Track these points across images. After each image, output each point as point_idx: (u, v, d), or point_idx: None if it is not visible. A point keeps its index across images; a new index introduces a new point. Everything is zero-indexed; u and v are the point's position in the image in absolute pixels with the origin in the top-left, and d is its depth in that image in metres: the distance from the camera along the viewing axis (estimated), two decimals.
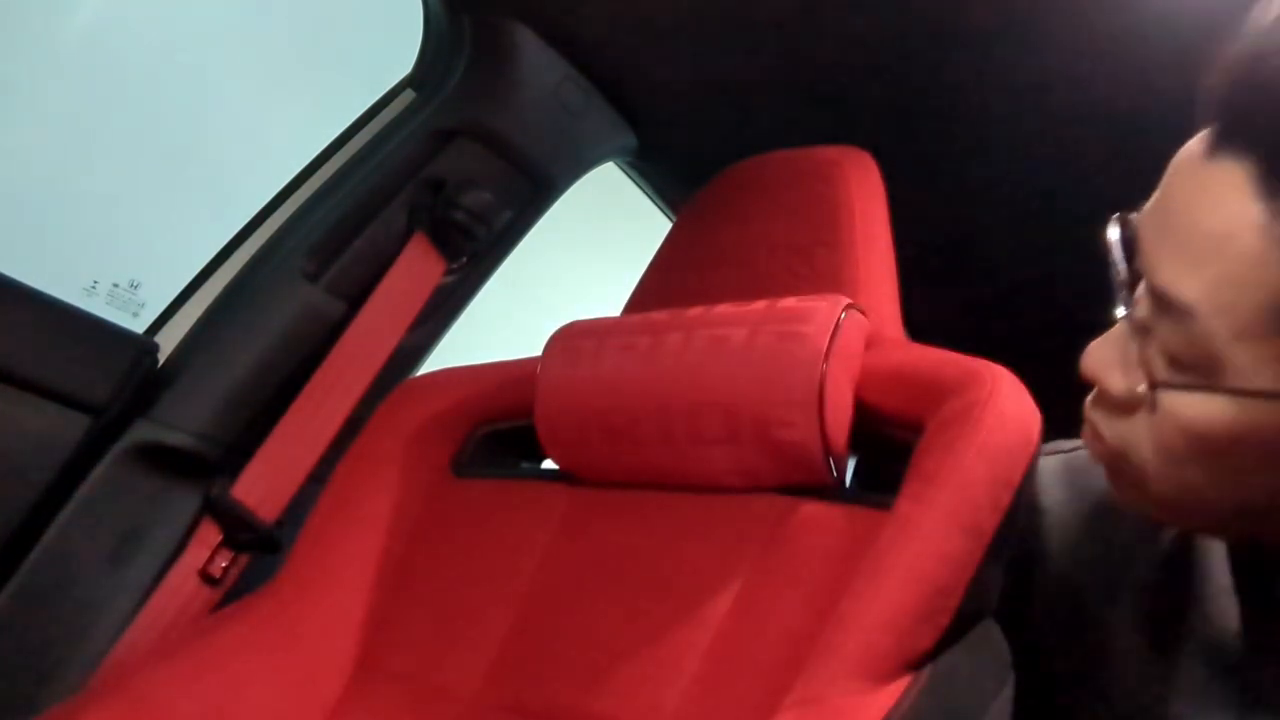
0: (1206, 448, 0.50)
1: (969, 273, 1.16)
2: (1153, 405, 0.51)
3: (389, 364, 1.02)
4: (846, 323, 0.75)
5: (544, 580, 0.81)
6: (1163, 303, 0.50)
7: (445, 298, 1.08)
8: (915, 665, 0.57)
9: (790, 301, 0.78)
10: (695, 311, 0.82)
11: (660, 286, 0.96)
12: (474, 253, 1.09)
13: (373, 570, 0.88)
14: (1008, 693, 0.59)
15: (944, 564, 0.58)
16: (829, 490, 0.73)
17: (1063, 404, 0.86)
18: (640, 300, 0.97)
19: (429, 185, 1.06)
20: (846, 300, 0.77)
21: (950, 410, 0.64)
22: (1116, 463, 0.56)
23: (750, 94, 1.09)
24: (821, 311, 0.75)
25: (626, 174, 1.27)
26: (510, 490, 0.89)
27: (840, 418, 0.72)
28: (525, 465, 0.95)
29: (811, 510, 0.72)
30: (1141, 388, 0.52)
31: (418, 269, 1.04)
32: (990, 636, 0.62)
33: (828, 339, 0.73)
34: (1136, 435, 0.53)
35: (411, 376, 1.05)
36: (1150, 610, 0.65)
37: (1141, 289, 0.53)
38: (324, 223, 1.03)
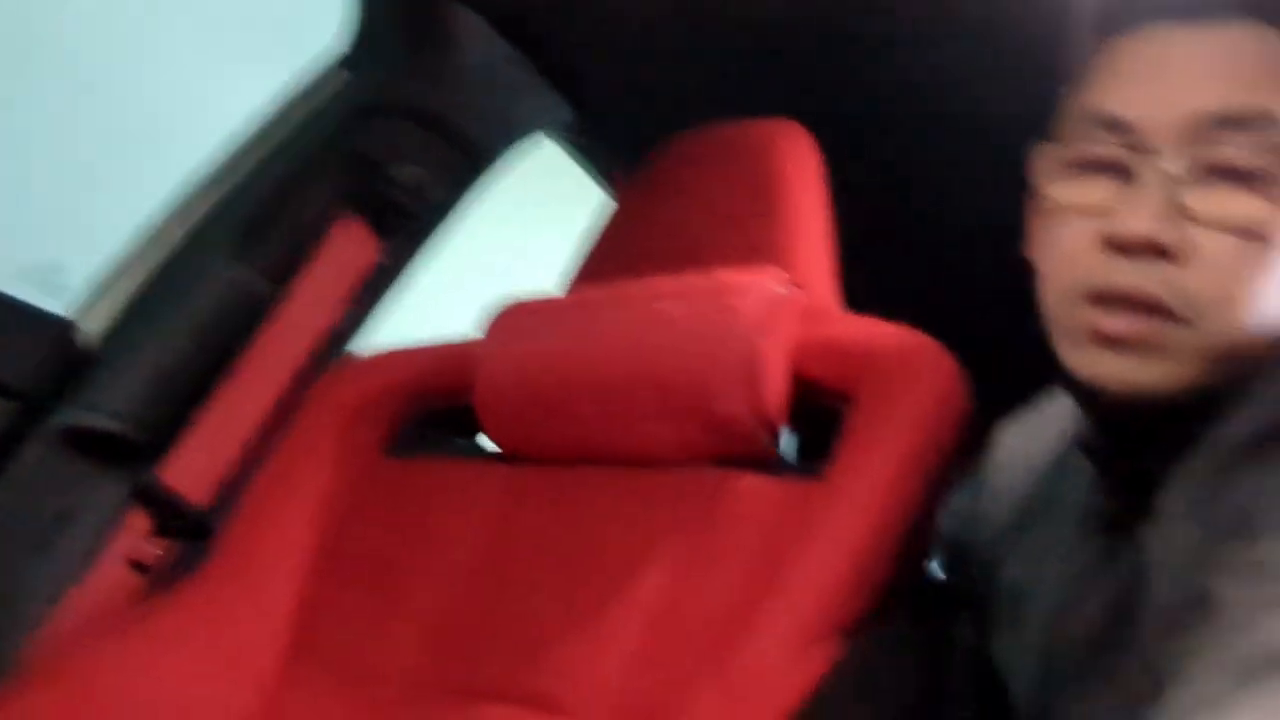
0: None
1: (909, 243, 1.17)
2: (1210, 225, 0.52)
3: (322, 344, 1.00)
4: (781, 296, 0.75)
5: (482, 559, 0.81)
6: (1229, 120, 0.51)
7: (379, 276, 1.06)
8: (846, 636, 0.58)
9: (726, 275, 0.78)
10: (632, 287, 0.82)
11: (600, 263, 0.96)
12: (408, 230, 1.07)
13: (307, 553, 0.87)
14: (940, 659, 0.61)
15: (873, 534, 0.59)
16: (765, 462, 0.74)
17: (996, 371, 0.88)
18: (580, 278, 0.96)
19: (361, 162, 1.04)
20: (782, 273, 0.77)
21: (880, 381, 0.65)
22: (1157, 325, 0.53)
23: (688, 67, 1.08)
24: (756, 285, 0.75)
25: (565, 149, 1.26)
26: (447, 470, 0.88)
27: (775, 390, 0.73)
28: (463, 445, 0.94)
29: (748, 483, 0.72)
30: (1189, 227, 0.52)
31: (350, 247, 1.02)
32: (922, 603, 0.63)
33: (762, 312, 0.73)
34: (1185, 275, 0.52)
35: (346, 357, 1.03)
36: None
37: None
38: (254, 202, 1.00)
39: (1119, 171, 0.54)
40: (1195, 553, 0.47)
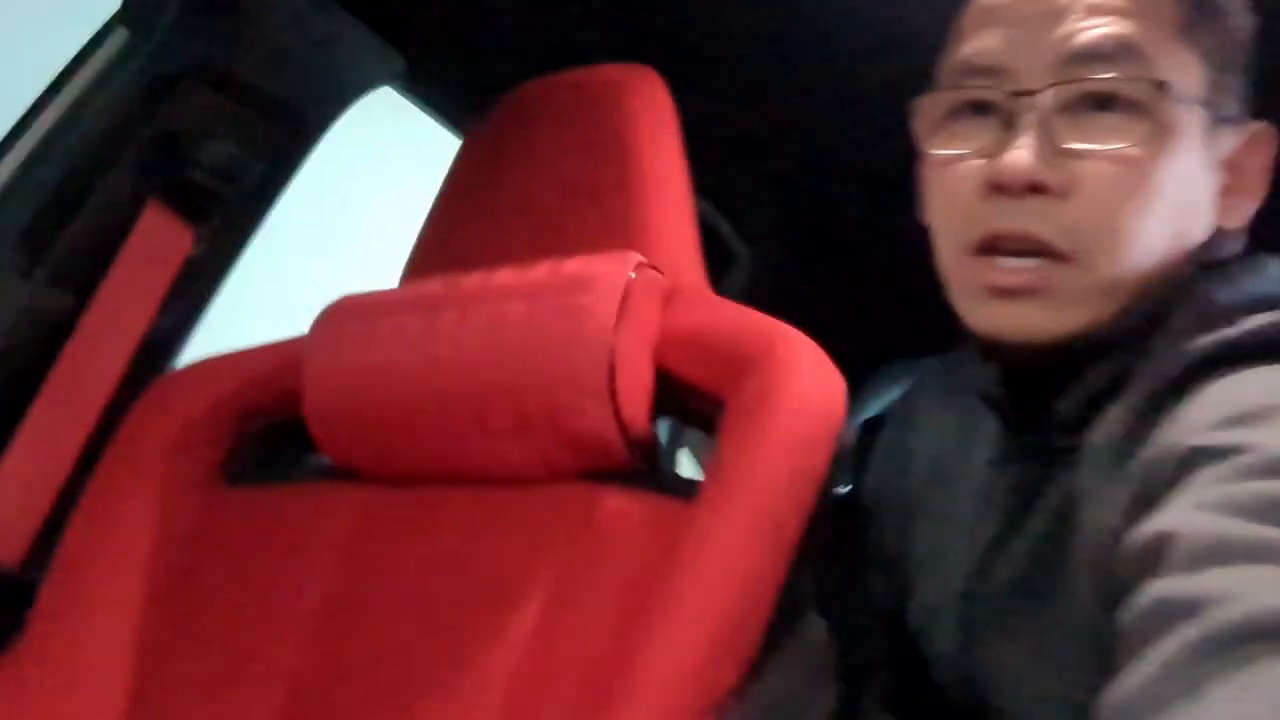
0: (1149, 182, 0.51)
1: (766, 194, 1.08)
2: (1088, 156, 0.52)
3: (137, 359, 0.87)
4: (637, 284, 0.66)
5: (337, 598, 0.72)
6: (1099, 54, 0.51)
7: (198, 272, 0.92)
8: (723, 701, 0.51)
9: (574, 265, 0.69)
10: (472, 283, 0.72)
11: (443, 239, 0.85)
12: (224, 215, 0.93)
13: (139, 605, 0.77)
14: (829, 702, 0.54)
15: (747, 581, 0.52)
16: (635, 475, 0.66)
17: (873, 340, 0.81)
18: (421, 258, 0.86)
19: (158, 141, 0.90)
20: (636, 257, 0.68)
21: (748, 392, 0.58)
22: (1046, 269, 0.52)
23: (529, 10, 0.96)
24: (607, 276, 0.66)
25: (407, 100, 1.12)
26: (292, 497, 0.79)
27: (637, 397, 0.65)
28: (308, 465, 0.84)
29: (616, 501, 0.65)
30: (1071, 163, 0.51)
31: (157, 242, 0.89)
32: (807, 643, 0.56)
33: (615, 309, 0.64)
34: (1067, 210, 0.52)
35: (167, 371, 0.91)
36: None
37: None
38: (33, 201, 0.86)
39: (997, 116, 0.54)
40: (1138, 499, 0.44)
